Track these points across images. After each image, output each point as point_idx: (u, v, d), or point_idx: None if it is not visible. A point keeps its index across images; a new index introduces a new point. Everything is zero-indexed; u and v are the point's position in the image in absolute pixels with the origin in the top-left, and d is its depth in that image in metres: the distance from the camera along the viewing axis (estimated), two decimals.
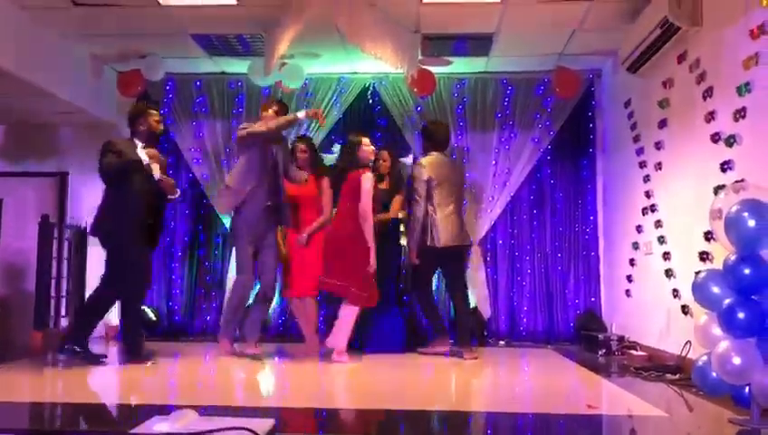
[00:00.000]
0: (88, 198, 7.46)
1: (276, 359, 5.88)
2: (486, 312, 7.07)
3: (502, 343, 6.92)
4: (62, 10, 5.73)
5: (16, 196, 7.44)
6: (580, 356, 5.99)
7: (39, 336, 6.60)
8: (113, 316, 7.19)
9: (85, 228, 7.42)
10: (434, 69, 6.93)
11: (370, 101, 7.41)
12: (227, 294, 6.50)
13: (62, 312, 7.19)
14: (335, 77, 7.35)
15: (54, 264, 7.06)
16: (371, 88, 7.39)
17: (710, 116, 4.54)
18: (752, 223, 3.17)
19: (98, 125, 7.35)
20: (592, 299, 7.14)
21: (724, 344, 3.22)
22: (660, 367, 4.94)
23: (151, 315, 7.08)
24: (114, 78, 7.35)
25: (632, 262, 6.24)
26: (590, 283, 7.18)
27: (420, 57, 6.68)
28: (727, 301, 3.22)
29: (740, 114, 4.14)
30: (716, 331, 3.32)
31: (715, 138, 4.45)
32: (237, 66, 7.14)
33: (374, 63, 6.33)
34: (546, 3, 5.57)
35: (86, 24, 6.07)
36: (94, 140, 7.40)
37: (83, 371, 5.07)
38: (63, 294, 7.21)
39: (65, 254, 7.26)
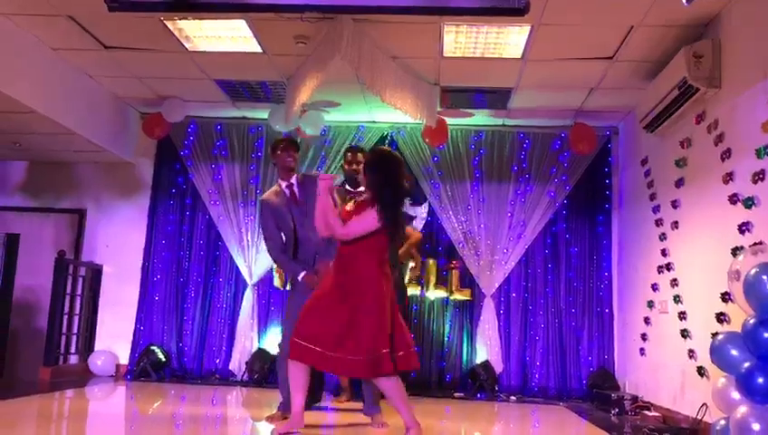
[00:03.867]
0: (104, 235, 7.58)
1: None
2: (498, 366, 6.99)
3: (513, 398, 6.82)
4: (92, 52, 5.88)
5: (34, 231, 7.53)
6: (592, 415, 5.89)
7: (48, 373, 6.59)
8: (123, 355, 7.22)
9: (100, 266, 7.49)
10: (451, 120, 7.02)
11: None
12: None
13: (72, 349, 7.20)
14: (354, 125, 7.45)
15: (67, 300, 7.10)
16: (389, 137, 7.48)
17: (728, 177, 4.55)
18: None
19: (117, 164, 7.49)
20: (606, 356, 7.04)
21: (742, 409, 3.17)
22: (675, 429, 4.85)
23: (161, 356, 7.06)
24: (136, 118, 7.50)
25: (647, 320, 6.18)
26: (604, 340, 7.09)
27: (440, 109, 6.78)
28: (746, 365, 3.18)
29: (759, 177, 4.14)
30: (735, 395, 3.27)
31: (734, 199, 4.45)
32: (258, 112, 7.26)
33: (392, 113, 6.42)
34: (565, 60, 5.66)
35: (114, 66, 6.22)
36: (113, 179, 7.62)
37: (87, 408, 5.04)
38: (75, 331, 7.23)
39: (78, 291, 7.30)
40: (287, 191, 4.72)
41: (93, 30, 5.49)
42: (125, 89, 6.86)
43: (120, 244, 7.53)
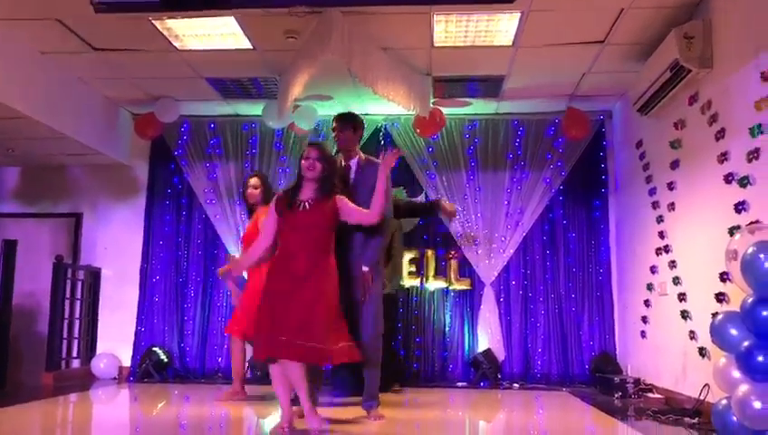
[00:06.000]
0: (102, 238, 7.58)
1: None
2: (500, 354, 7.00)
3: (516, 385, 6.83)
4: (81, 54, 5.85)
5: (31, 237, 7.51)
6: (595, 399, 5.90)
7: (50, 377, 6.59)
8: (125, 357, 7.22)
9: (98, 269, 7.48)
10: (445, 109, 7.01)
11: (382, 142, 7.45)
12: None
13: (74, 353, 7.20)
14: None
15: (67, 305, 7.10)
16: (383, 129, 7.46)
17: (723, 157, 4.54)
18: None
19: (111, 166, 7.47)
20: (607, 340, 7.06)
21: (743, 388, 3.17)
22: (678, 410, 4.86)
23: (163, 356, 7.06)
24: (128, 120, 7.47)
25: (647, 303, 6.19)
26: (605, 324, 7.11)
27: (434, 99, 6.76)
28: (746, 343, 3.18)
29: (753, 155, 4.13)
30: (736, 374, 3.28)
31: (729, 178, 4.45)
32: (251, 108, 7.24)
33: (386, 105, 6.40)
34: (556, 46, 5.64)
35: (104, 68, 6.19)
36: (108, 182, 7.60)
37: (91, 412, 5.04)
38: (76, 335, 7.23)
39: (78, 295, 7.30)
40: (342, 170, 4.58)
41: (82, 32, 5.46)
42: (116, 90, 6.84)
43: (117, 246, 7.52)
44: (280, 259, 4.18)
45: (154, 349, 7.07)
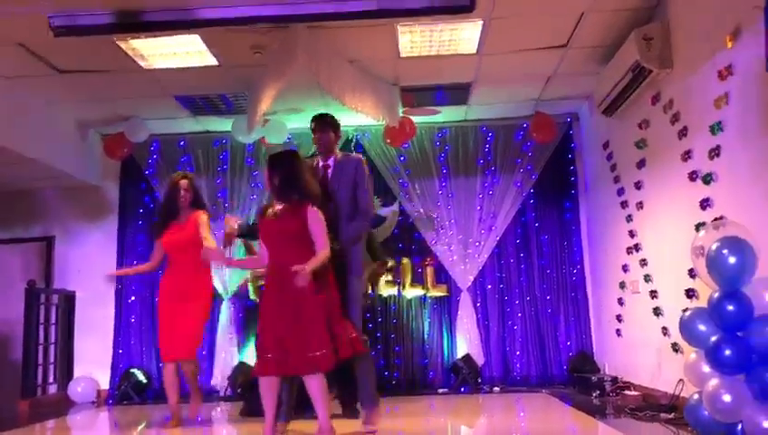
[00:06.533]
0: (75, 261, 7.49)
1: None
2: (480, 358, 7.04)
3: (496, 389, 6.86)
4: (46, 77, 5.81)
5: (2, 262, 7.42)
6: (575, 399, 5.96)
7: (26, 405, 6.50)
8: (103, 381, 7.14)
9: (72, 292, 7.40)
10: (415, 118, 7.06)
11: (354, 153, 7.46)
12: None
13: (50, 379, 7.10)
14: None
15: (42, 329, 7.00)
16: (354, 140, 7.48)
17: (686, 155, 4.63)
18: (732, 260, 3.22)
19: (82, 188, 7.40)
20: (584, 340, 7.13)
21: (713, 382, 3.23)
22: (654, 406, 4.93)
23: (141, 378, 6.99)
24: (98, 141, 7.42)
25: (621, 301, 6.27)
26: (581, 324, 7.19)
27: (403, 108, 6.81)
28: (714, 338, 3.25)
29: (714, 153, 4.23)
30: (706, 368, 3.34)
31: (693, 176, 4.53)
32: (221, 124, 7.22)
33: (356, 116, 6.41)
34: (520, 52, 5.71)
35: (71, 90, 6.16)
36: (80, 204, 7.53)
37: None
38: (51, 360, 7.13)
39: (53, 319, 7.21)
40: (321, 170, 4.56)
41: (46, 56, 5.43)
42: (84, 112, 6.79)
43: (91, 268, 7.43)
44: (267, 275, 4.18)
45: (132, 370, 7.00)
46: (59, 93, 6.24)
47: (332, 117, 4.72)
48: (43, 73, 5.73)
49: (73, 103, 6.53)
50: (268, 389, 4.01)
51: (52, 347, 7.18)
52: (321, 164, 4.61)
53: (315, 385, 3.90)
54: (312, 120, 4.71)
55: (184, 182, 5.12)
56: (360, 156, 4.74)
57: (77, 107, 6.64)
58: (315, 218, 4.05)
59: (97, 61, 5.56)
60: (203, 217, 5.02)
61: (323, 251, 4.00)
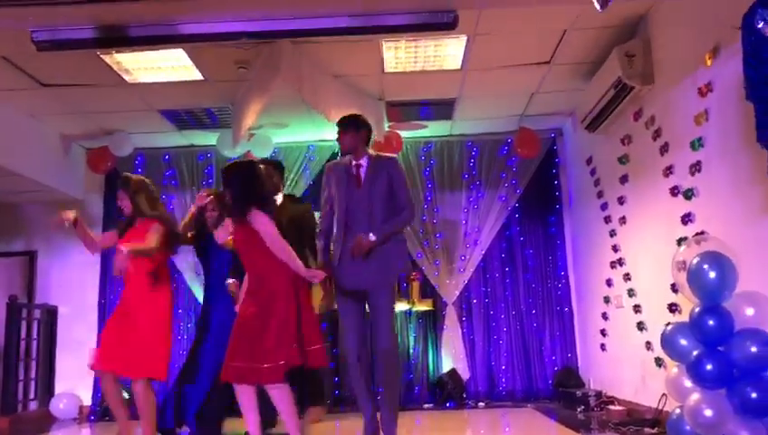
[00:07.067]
0: (57, 276, 7.42)
1: None
2: (465, 373, 7.03)
3: (482, 404, 6.85)
4: (30, 91, 5.79)
5: None
6: (559, 414, 5.96)
7: (6, 422, 6.40)
8: (86, 396, 7.06)
9: (55, 307, 7.33)
10: (402, 132, 7.08)
11: None
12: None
13: (31, 395, 7.01)
14: (304, 145, 7.45)
15: (23, 345, 6.92)
16: (340, 154, 7.47)
17: (668, 170, 4.68)
18: (713, 275, 3.24)
19: (65, 202, 7.30)
20: (569, 355, 7.14)
21: (695, 397, 3.24)
22: (638, 421, 4.93)
23: (124, 393, 6.90)
24: (82, 155, 7.39)
25: (605, 316, 6.29)
26: (566, 338, 7.20)
27: (389, 123, 6.83)
28: (695, 353, 3.26)
29: (695, 168, 4.27)
30: (687, 383, 3.35)
31: (675, 191, 4.57)
32: (206, 138, 7.22)
33: None
34: (504, 68, 5.75)
35: (55, 103, 6.13)
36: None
37: None
38: (32, 376, 7.04)
39: (34, 334, 7.13)
40: (353, 169, 4.26)
41: (29, 69, 5.41)
42: (68, 126, 6.76)
43: (74, 283, 7.38)
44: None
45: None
46: (42, 107, 6.21)
47: (354, 116, 4.43)
48: (27, 87, 5.71)
49: (57, 117, 6.50)
50: (247, 400, 3.98)
51: (33, 363, 7.10)
52: (353, 163, 4.29)
53: (276, 396, 3.87)
54: (336, 124, 4.45)
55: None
56: (395, 156, 4.57)
57: (61, 120, 6.61)
58: (259, 220, 3.87)
59: (81, 74, 5.55)
60: (158, 226, 4.72)
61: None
